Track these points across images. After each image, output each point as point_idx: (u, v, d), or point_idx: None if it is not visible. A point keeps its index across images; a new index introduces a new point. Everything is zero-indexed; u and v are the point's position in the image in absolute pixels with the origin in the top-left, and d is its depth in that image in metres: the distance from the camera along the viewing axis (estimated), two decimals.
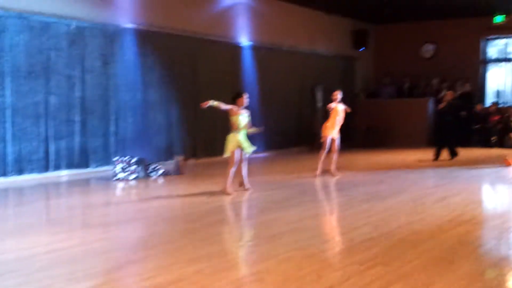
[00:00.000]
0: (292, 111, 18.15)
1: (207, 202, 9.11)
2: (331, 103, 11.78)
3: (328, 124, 11.75)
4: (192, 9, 14.80)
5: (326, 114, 12.08)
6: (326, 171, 11.90)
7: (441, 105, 14.71)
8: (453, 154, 14.58)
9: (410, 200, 9.16)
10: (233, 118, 9.53)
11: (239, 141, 9.52)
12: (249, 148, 9.66)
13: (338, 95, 11.80)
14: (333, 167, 11.88)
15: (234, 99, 9.64)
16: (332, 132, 11.69)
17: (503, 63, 20.82)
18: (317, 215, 8.36)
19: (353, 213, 8.20)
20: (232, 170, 9.58)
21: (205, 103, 9.32)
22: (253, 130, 9.88)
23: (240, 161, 9.68)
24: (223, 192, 9.60)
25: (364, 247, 6.08)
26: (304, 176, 12.12)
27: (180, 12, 14.50)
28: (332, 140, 11.72)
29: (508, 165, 13.38)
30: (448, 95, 14.83)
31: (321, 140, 11.82)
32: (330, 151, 11.80)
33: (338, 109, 11.72)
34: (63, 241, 6.53)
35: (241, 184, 9.97)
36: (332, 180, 11.46)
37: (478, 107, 19.39)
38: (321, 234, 7.20)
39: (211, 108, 9.40)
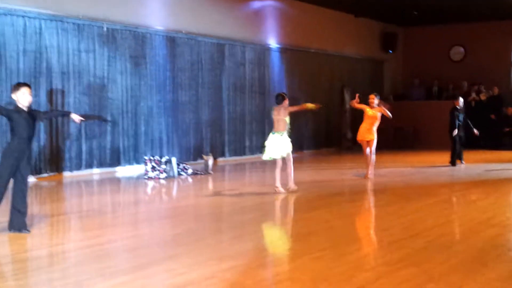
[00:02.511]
0: (321, 113, 18.11)
1: (237, 202, 9.17)
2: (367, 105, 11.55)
3: (361, 127, 11.56)
4: (220, 12, 14.91)
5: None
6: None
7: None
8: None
9: (440, 202, 9.11)
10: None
11: (268, 143, 9.64)
12: (265, 154, 9.71)
13: (375, 99, 11.49)
14: (369, 170, 11.54)
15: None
16: (364, 135, 11.46)
17: None
18: (348, 215, 8.36)
19: (382, 214, 8.19)
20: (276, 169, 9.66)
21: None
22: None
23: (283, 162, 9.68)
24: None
25: (394, 248, 6.08)
26: (334, 176, 12.12)
27: (209, 15, 14.61)
28: (367, 143, 11.44)
29: None
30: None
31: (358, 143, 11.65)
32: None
33: (370, 113, 11.43)
34: (95, 238, 6.63)
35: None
36: (363, 182, 11.39)
37: (510, 111, 19.16)
38: (352, 234, 7.19)
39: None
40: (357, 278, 5.06)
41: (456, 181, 11.95)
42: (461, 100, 14.21)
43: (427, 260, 5.61)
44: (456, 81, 20.60)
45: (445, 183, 11.49)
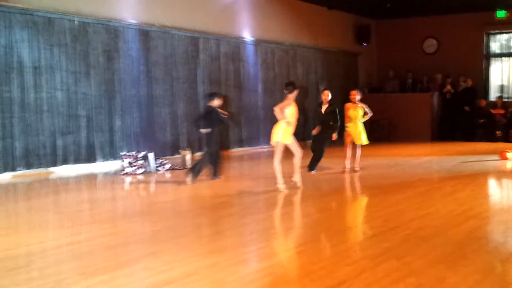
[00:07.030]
0: (297, 106, 18.10)
1: (216, 197, 9.13)
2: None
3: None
4: (194, 5, 14.80)
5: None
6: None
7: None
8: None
9: (418, 194, 9.16)
10: None
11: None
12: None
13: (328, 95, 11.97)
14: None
15: None
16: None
17: (506, 58, 20.78)
18: (327, 209, 8.36)
19: (362, 208, 8.22)
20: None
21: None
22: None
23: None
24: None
25: (375, 241, 6.10)
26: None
27: (182, 8, 14.50)
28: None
29: (503, 158, 13.40)
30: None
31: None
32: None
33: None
34: (73, 236, 6.54)
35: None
36: (341, 176, 11.42)
37: (482, 102, 19.39)
38: (333, 228, 7.19)
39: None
40: (339, 273, 5.06)
41: (432, 173, 12.04)
42: (328, 93, 12.23)
43: (407, 253, 5.63)
44: (430, 73, 20.77)
45: (422, 175, 11.55)
